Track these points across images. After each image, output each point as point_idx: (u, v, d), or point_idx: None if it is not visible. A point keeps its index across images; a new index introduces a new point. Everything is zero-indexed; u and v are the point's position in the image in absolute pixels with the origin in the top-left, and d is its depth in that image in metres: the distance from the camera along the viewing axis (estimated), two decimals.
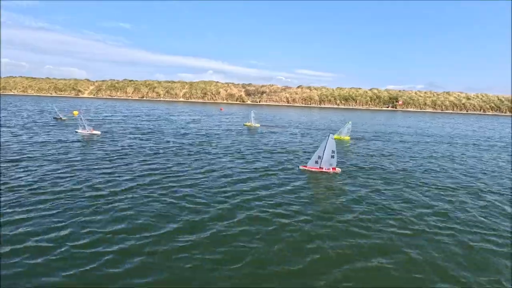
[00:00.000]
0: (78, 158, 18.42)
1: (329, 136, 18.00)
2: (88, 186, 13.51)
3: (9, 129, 30.00)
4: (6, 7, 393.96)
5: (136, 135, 29.32)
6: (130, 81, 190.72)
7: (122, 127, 35.01)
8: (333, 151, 17.83)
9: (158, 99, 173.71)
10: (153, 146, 23.34)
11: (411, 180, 17.25)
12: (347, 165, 19.97)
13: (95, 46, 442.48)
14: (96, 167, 16.62)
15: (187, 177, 15.37)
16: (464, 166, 21.56)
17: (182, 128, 36.56)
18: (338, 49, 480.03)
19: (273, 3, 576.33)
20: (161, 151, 21.89)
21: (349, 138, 34.19)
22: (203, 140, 27.44)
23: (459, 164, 22.20)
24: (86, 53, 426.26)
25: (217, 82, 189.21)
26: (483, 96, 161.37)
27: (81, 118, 29.01)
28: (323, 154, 18.00)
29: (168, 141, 26.01)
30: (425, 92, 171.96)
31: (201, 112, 70.09)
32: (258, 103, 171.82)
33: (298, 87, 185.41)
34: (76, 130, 30.00)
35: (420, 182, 16.93)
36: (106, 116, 47.49)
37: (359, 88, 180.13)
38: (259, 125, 43.60)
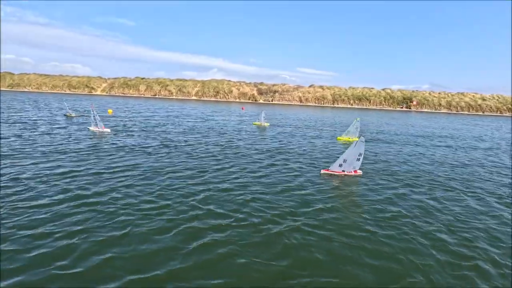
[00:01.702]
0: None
1: (359, 139, 17.40)
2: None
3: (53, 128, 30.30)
4: (11, 3, 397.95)
5: (198, 136, 29.39)
6: (142, 78, 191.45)
7: (186, 128, 35.06)
8: (360, 154, 17.25)
9: (171, 97, 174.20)
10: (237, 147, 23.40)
11: (436, 185, 16.40)
12: (366, 168, 19.03)
13: (94, 41, 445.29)
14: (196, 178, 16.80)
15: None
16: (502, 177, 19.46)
17: (233, 129, 36.67)
18: (340, 49, 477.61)
19: (274, 3, 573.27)
20: (228, 150, 22.00)
21: (357, 138, 31.95)
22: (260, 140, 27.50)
23: (495, 173, 20.36)
24: (85, 49, 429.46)
25: (229, 80, 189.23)
26: (499, 97, 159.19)
27: (94, 116, 28.66)
28: (349, 157, 17.41)
29: (238, 145, 25.68)
30: (439, 93, 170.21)
31: (233, 112, 70.07)
32: (271, 102, 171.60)
33: (310, 86, 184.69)
34: (88, 127, 30.00)
35: (448, 187, 16.22)
36: (150, 116, 47.47)
37: (372, 88, 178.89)
38: (268, 124, 43.09)
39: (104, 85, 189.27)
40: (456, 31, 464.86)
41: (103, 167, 15.97)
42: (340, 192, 14.57)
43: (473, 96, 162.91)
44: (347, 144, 29.99)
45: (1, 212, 10.05)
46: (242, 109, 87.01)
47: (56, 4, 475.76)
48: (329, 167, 18.31)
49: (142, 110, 61.00)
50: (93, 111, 28.73)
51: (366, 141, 18.73)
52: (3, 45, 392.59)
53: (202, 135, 30.31)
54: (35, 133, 25.77)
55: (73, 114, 42.50)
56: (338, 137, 32.91)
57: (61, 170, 15.17)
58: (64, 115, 43.26)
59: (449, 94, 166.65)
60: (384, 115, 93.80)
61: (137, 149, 21.41)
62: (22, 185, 12.69)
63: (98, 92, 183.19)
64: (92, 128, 29.24)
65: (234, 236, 9.30)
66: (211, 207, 11.46)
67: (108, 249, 8.33)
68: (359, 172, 17.94)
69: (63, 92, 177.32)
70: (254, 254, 8.47)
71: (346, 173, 17.62)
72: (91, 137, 25.58)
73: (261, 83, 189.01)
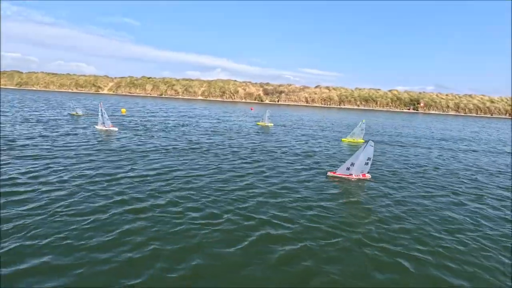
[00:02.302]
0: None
1: (367, 143, 16.69)
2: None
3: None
4: (18, 2, 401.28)
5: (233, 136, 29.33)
6: (149, 78, 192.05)
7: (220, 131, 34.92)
8: (369, 158, 16.60)
9: (177, 97, 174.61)
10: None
11: (449, 192, 15.68)
12: (373, 172, 18.31)
13: (99, 41, 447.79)
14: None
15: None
16: None
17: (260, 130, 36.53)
18: (343, 49, 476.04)
19: (279, 3, 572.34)
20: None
21: (363, 140, 30.97)
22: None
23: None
24: (90, 49, 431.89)
25: (235, 81, 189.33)
26: (508, 100, 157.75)
27: (102, 114, 28.71)
28: (357, 161, 16.67)
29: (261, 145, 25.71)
30: (446, 95, 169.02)
31: (244, 112, 69.95)
32: (277, 102, 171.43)
33: (316, 87, 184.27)
34: (95, 126, 29.96)
35: (462, 192, 15.72)
36: (166, 117, 47.16)
37: (379, 89, 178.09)
38: (272, 124, 42.64)
39: (110, 84, 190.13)
40: (462, 31, 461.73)
41: (144, 170, 15.87)
42: (346, 197, 13.92)
43: (481, 98, 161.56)
44: (353, 145, 29.51)
45: (49, 220, 9.98)
46: (251, 109, 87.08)
47: (62, 3, 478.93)
48: (336, 169, 17.64)
49: (154, 109, 61.08)
50: (101, 109, 28.73)
51: (388, 144, 18.29)
52: (10, 44, 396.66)
53: (225, 136, 30.20)
54: (59, 133, 25.83)
55: (80, 113, 42.67)
56: (343, 139, 32.52)
57: (102, 171, 15.13)
58: (69, 113, 43.33)
59: (456, 96, 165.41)
60: (394, 117, 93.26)
61: (170, 150, 21.35)
62: (71, 187, 12.66)
63: (105, 91, 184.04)
64: (98, 126, 29.18)
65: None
66: (273, 211, 11.39)
67: (184, 262, 7.97)
68: (368, 176, 17.20)
69: (70, 91, 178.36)
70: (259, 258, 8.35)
71: (354, 176, 16.90)
72: (118, 137, 25.51)
73: (267, 84, 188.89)
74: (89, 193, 12.01)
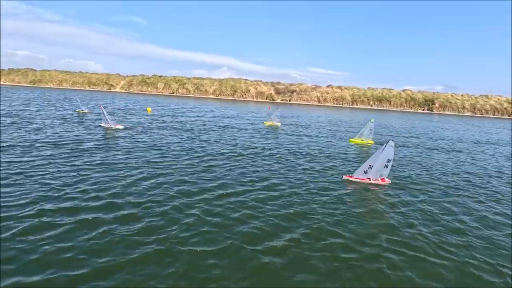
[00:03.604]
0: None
1: (387, 143, 15.26)
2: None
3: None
4: (28, 2, 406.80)
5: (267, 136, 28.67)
6: (160, 76, 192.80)
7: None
8: (388, 160, 15.18)
9: (188, 95, 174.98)
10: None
11: (475, 199, 14.43)
12: (394, 176, 17.17)
13: (107, 39, 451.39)
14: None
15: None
16: None
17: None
18: (350, 48, 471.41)
19: (285, 2, 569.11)
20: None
21: (372, 141, 29.75)
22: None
23: None
24: (98, 47, 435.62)
25: (246, 80, 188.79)
26: None
27: (103, 113, 28.61)
28: (375, 163, 15.29)
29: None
30: (461, 95, 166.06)
31: (268, 112, 69.06)
32: (288, 101, 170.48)
33: (328, 86, 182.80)
34: (100, 124, 29.64)
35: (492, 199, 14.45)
36: (197, 117, 46.13)
37: (391, 89, 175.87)
38: (279, 123, 41.81)
39: (122, 82, 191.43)
40: (470, 31, 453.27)
41: (214, 177, 15.36)
42: (363, 205, 12.55)
43: (498, 99, 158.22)
44: (361, 146, 28.08)
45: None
46: (269, 108, 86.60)
47: (70, 2, 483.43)
48: (352, 173, 16.36)
49: (178, 108, 60.68)
50: (102, 111, 28.88)
51: (412, 146, 16.96)
52: (20, 42, 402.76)
53: (269, 138, 29.28)
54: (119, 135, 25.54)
55: (86, 111, 42.51)
56: (351, 139, 31.17)
57: (183, 183, 14.59)
58: (75, 110, 43.08)
59: (472, 97, 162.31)
60: (409, 117, 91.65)
61: (228, 155, 20.47)
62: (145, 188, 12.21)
63: (117, 90, 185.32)
64: (103, 124, 29.09)
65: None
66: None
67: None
68: (387, 180, 15.77)
69: (83, 89, 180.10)
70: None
71: (372, 181, 15.53)
72: (181, 141, 24.67)
73: (278, 83, 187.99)
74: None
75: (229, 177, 15.02)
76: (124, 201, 11.02)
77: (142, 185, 12.89)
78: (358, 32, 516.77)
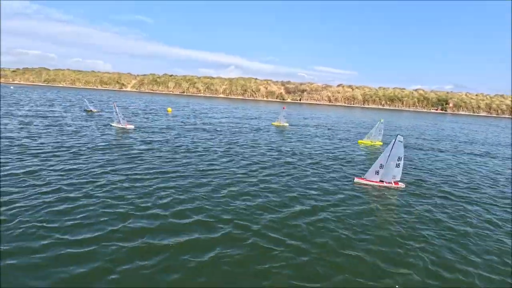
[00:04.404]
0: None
1: (396, 138, 14.40)
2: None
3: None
4: (39, 2, 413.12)
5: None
6: (170, 75, 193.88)
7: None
8: (399, 158, 14.38)
9: (198, 94, 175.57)
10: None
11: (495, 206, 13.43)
12: (410, 179, 16.55)
13: (114, 38, 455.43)
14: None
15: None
16: None
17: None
18: (356, 47, 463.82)
19: (292, 2, 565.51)
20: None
21: (380, 142, 28.94)
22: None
23: None
24: (105, 46, 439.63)
25: (256, 79, 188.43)
26: None
27: (116, 111, 28.69)
28: (386, 162, 14.46)
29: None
30: (476, 95, 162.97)
31: (286, 112, 68.58)
32: (299, 101, 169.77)
33: (339, 85, 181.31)
34: (111, 124, 29.72)
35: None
36: (222, 117, 46.22)
37: (404, 89, 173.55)
38: (287, 124, 41.60)
39: (133, 81, 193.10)
40: (479, 30, 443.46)
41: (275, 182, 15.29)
42: (374, 214, 11.67)
43: None
44: (371, 148, 27.17)
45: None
46: (283, 108, 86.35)
47: (79, 3, 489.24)
48: (363, 175, 15.64)
49: (197, 109, 60.84)
50: (115, 109, 28.91)
51: (429, 149, 15.86)
52: (30, 41, 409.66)
53: (300, 140, 29.14)
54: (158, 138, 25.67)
55: (94, 110, 43.08)
56: (360, 141, 30.28)
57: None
58: (84, 109, 43.57)
59: (487, 97, 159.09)
60: (430, 118, 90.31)
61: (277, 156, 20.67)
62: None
63: (128, 89, 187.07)
64: (114, 124, 29.13)
65: None
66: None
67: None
68: (401, 184, 14.97)
69: (95, 88, 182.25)
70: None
71: (385, 184, 14.78)
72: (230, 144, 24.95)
73: (288, 82, 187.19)
74: None
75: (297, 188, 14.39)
76: (197, 213, 11.03)
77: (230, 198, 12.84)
78: (364, 31, 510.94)
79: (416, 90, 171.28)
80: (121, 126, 28.47)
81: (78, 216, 9.63)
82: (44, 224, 8.98)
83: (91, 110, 42.47)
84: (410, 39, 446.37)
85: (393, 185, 14.79)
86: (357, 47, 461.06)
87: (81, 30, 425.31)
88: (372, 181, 15.00)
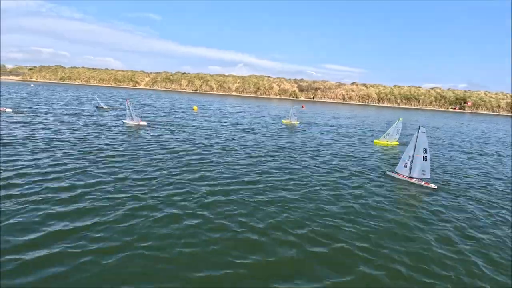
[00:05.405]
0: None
1: (418, 129, 14.43)
2: None
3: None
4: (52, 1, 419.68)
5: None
6: (183, 73, 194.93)
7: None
8: (425, 150, 14.35)
9: (211, 92, 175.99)
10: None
11: None
12: (440, 180, 15.90)
13: (124, 36, 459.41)
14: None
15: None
16: None
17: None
18: (366, 45, 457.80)
19: (299, 2, 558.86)
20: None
21: (397, 143, 27.89)
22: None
23: None
24: (115, 43, 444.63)
25: (269, 77, 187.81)
26: None
27: (129, 108, 28.62)
28: (414, 154, 14.51)
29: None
30: (496, 93, 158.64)
31: (302, 111, 68.25)
32: (312, 99, 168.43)
33: (353, 83, 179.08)
34: (124, 121, 29.54)
35: None
36: (251, 118, 45.56)
37: (419, 87, 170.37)
38: (298, 122, 41.50)
39: (147, 79, 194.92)
40: (492, 28, 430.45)
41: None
42: (398, 216, 11.11)
43: None
44: (387, 149, 25.68)
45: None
46: (303, 107, 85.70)
47: (90, 2, 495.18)
48: (395, 169, 15.98)
49: (221, 107, 60.73)
50: (128, 106, 28.91)
51: (463, 151, 15.12)
52: (43, 39, 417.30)
53: (342, 139, 28.58)
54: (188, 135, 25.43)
55: (105, 107, 43.96)
56: (376, 141, 28.86)
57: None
58: (96, 106, 44.35)
59: (508, 95, 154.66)
60: (447, 116, 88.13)
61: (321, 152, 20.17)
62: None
63: (142, 86, 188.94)
64: (127, 121, 29.01)
65: None
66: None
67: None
68: (432, 185, 14.38)
69: (110, 85, 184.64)
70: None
71: (414, 180, 14.77)
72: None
73: (301, 80, 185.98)
74: None
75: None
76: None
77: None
78: (372, 29, 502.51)
79: (432, 88, 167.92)
80: (134, 123, 28.52)
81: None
82: None
83: (102, 107, 43.68)
84: (420, 38, 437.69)
85: (424, 183, 14.65)
86: (366, 45, 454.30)
87: (93, 28, 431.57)
88: (401, 176, 15.40)
